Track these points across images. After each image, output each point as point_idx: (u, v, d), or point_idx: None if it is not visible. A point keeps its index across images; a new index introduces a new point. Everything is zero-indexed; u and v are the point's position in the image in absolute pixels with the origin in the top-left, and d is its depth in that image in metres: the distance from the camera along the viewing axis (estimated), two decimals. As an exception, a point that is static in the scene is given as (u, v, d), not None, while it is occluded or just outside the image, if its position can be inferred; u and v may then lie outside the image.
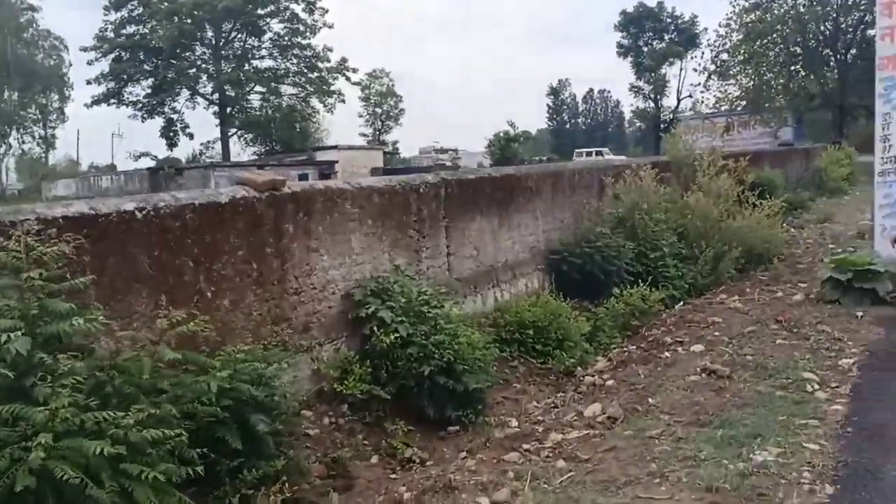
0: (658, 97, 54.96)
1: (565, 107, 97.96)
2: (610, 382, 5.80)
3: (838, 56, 38.14)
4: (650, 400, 5.08)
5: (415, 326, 5.43)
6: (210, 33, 52.94)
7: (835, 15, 37.25)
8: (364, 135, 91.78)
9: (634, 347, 6.92)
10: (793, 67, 37.89)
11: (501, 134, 52.12)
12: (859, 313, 7.05)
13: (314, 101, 55.84)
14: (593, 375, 6.22)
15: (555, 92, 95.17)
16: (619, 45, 56.36)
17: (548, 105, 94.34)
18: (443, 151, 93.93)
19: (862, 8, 37.00)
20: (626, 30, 55.81)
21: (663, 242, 9.31)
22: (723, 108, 40.01)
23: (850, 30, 37.82)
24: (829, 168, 24.07)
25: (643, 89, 56.25)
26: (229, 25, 52.51)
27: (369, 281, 5.87)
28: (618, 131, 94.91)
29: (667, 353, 6.34)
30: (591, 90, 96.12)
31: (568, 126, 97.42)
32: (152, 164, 44.26)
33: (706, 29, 54.00)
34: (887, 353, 5.73)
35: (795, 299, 7.98)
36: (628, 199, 9.59)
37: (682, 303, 8.63)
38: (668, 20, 54.46)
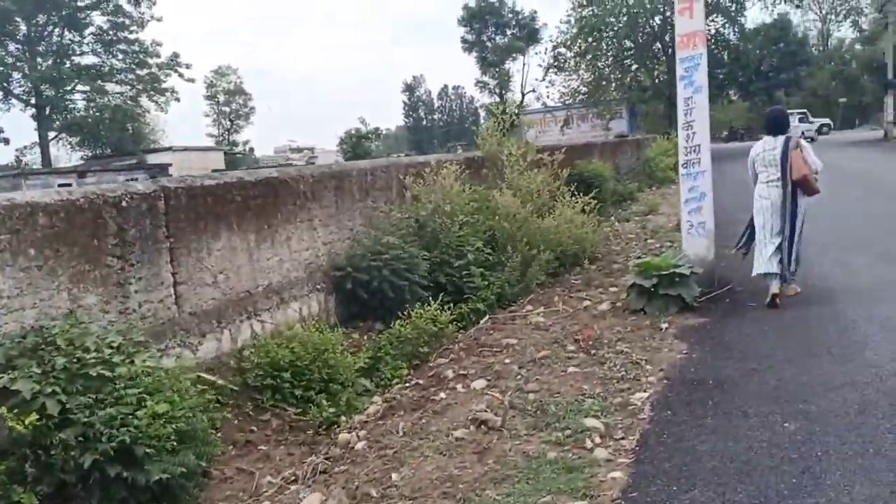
0: (503, 92, 55.36)
1: (421, 103, 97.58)
2: (360, 445, 4.55)
3: (668, 49, 39.70)
4: (394, 475, 3.86)
5: (75, 398, 3.92)
6: (22, 27, 47.58)
7: (663, 9, 38.72)
8: (212, 135, 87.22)
9: (412, 385, 5.73)
10: (625, 61, 39.03)
11: (353, 131, 50.56)
12: (664, 325, 6.26)
13: (144, 100, 51.73)
14: (350, 431, 4.95)
15: (410, 88, 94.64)
16: (464, 41, 56.23)
17: (403, 102, 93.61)
18: (298, 150, 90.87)
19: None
20: (469, 25, 55.73)
21: (469, 249, 8.25)
22: (567, 102, 40.65)
23: (676, 24, 39.43)
24: (657, 158, 24.51)
25: (488, 84, 56.51)
26: (44, 18, 47.39)
27: (29, 333, 4.28)
28: (474, 127, 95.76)
29: (443, 394, 5.19)
30: (446, 86, 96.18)
31: (425, 122, 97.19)
32: (-51, 173, 38.98)
33: (546, 24, 55.08)
34: (685, 381, 4.87)
35: (601, 309, 7.15)
36: (428, 200, 8.47)
37: (486, 317, 7.60)
38: (510, 15, 54.95)
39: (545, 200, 9.67)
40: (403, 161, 9.46)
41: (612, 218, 14.95)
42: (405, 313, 6.90)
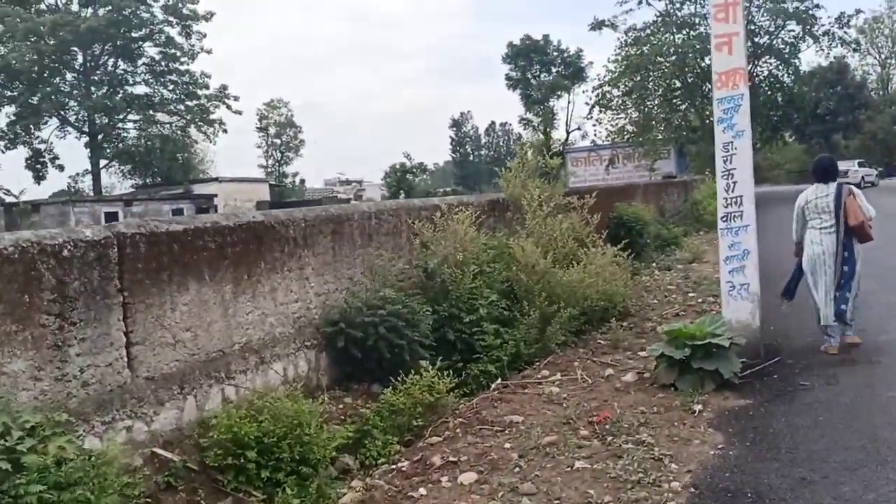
0: (547, 129, 54.72)
1: (468, 139, 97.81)
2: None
3: (716, 89, 38.61)
4: None
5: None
6: (79, 57, 49.19)
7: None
8: (263, 167, 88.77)
9: (396, 471, 4.90)
10: (673, 100, 38.01)
11: (397, 166, 50.65)
12: (697, 406, 5.33)
13: (193, 131, 52.73)
14: (310, 532, 4.14)
15: (457, 124, 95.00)
16: (508, 78, 56.01)
17: (451, 137, 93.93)
18: (347, 183, 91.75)
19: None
20: (514, 62, 55.53)
21: (481, 302, 7.44)
22: (614, 140, 39.73)
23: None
24: (705, 201, 23.36)
25: (532, 121, 56.00)
26: (99, 48, 48.89)
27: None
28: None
29: (423, 490, 4.35)
30: (493, 123, 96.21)
31: (471, 158, 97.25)
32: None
33: (592, 63, 54.49)
34: (717, 490, 3.94)
35: (626, 380, 6.23)
36: (439, 248, 7.71)
37: (496, 383, 6.74)
38: (555, 53, 54.58)
39: (571, 249, 8.80)
40: (416, 203, 8.73)
41: (654, 265, 13.95)
42: (402, 377, 6.10)
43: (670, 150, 39.07)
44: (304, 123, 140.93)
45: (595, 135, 43.33)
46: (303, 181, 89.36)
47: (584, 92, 48.13)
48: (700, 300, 9.92)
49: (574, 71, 54.45)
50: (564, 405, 5.69)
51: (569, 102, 55.76)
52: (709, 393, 5.60)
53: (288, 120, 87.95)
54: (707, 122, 39.01)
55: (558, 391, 6.09)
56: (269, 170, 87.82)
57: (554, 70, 54.67)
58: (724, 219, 6.31)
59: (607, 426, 5.00)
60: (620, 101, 38.35)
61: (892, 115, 60.84)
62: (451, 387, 5.97)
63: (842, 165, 44.88)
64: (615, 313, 8.67)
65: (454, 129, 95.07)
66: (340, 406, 6.20)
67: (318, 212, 7.09)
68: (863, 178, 43.30)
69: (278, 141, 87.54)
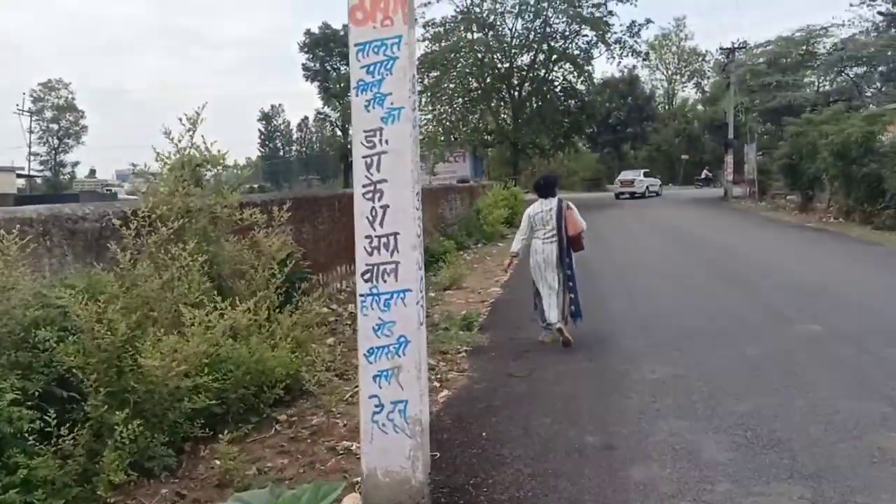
0: (346, 126, 51.38)
1: (278, 133, 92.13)
2: None
3: (512, 92, 37.53)
4: None
5: None
6: None
7: (509, 51, 36.53)
8: (37, 154, 77.99)
9: None
10: (469, 101, 36.33)
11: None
12: None
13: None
14: None
15: (266, 118, 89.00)
16: (305, 68, 51.85)
17: (259, 131, 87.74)
18: (141, 175, 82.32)
19: (534, 47, 36.79)
20: (311, 52, 51.48)
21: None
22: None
23: (526, 67, 37.46)
24: (485, 209, 21.27)
25: (329, 117, 52.35)
26: None
27: None
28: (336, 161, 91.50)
29: None
30: (307, 117, 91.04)
31: (282, 153, 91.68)
32: None
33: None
34: None
35: None
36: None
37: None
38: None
39: (205, 294, 5.50)
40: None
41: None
42: None
43: (465, 153, 37.38)
44: (101, 110, 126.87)
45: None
46: (71, 174, 79.13)
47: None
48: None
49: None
50: None
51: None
52: None
53: (69, 103, 77.47)
54: (503, 125, 37.93)
55: None
56: (44, 158, 76.91)
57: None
58: (367, 277, 3.30)
59: None
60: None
61: (675, 128, 64.50)
62: None
63: (628, 175, 46.21)
64: (273, 397, 5.52)
65: (263, 122, 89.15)
66: None
67: None
68: (647, 187, 44.28)
69: (56, 126, 76.83)
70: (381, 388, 3.32)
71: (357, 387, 6.12)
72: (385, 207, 3.26)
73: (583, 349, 7.03)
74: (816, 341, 6.79)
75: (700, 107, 66.02)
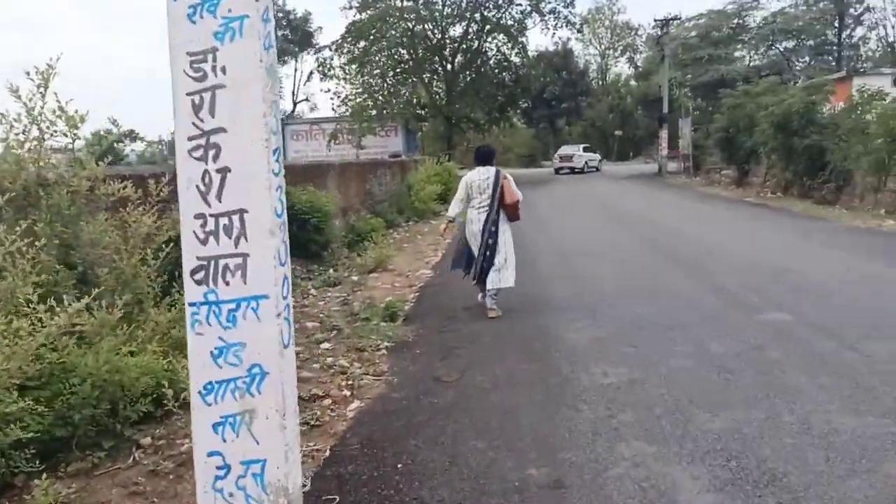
0: (273, 98, 48.99)
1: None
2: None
3: (445, 64, 36.20)
4: None
5: None
6: None
7: (441, 21, 35.14)
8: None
9: None
10: (400, 73, 34.84)
11: (101, 133, 41.61)
12: None
13: None
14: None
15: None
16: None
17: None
18: (57, 150, 77.88)
19: (467, 17, 35.51)
20: (235, 20, 48.67)
21: None
22: (345, 113, 35.45)
23: (458, 38, 36.17)
24: (417, 185, 20.12)
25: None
26: None
27: None
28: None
29: None
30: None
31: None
32: None
33: (321, 28, 49.70)
34: None
35: None
36: None
37: None
38: (280, 14, 48.86)
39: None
40: None
41: (310, 281, 9.88)
42: None
43: (397, 127, 35.93)
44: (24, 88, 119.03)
45: (334, 108, 38.74)
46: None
47: (315, 59, 43.20)
48: (313, 374, 5.99)
49: (302, 36, 49.27)
50: None
51: (295, 70, 50.38)
52: None
53: (-30, 74, 72.00)
54: (436, 98, 36.62)
55: None
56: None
57: (279, 33, 48.99)
58: (200, 277, 2.16)
59: None
60: (343, 70, 34.26)
61: (609, 104, 64.43)
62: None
63: (567, 150, 45.73)
64: (136, 415, 4.33)
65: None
66: None
67: None
68: (586, 162, 43.91)
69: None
70: (225, 441, 2.20)
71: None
72: (224, 171, 2.11)
73: (523, 345, 6.05)
74: (788, 334, 5.91)
75: (633, 82, 66.05)
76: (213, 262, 2.13)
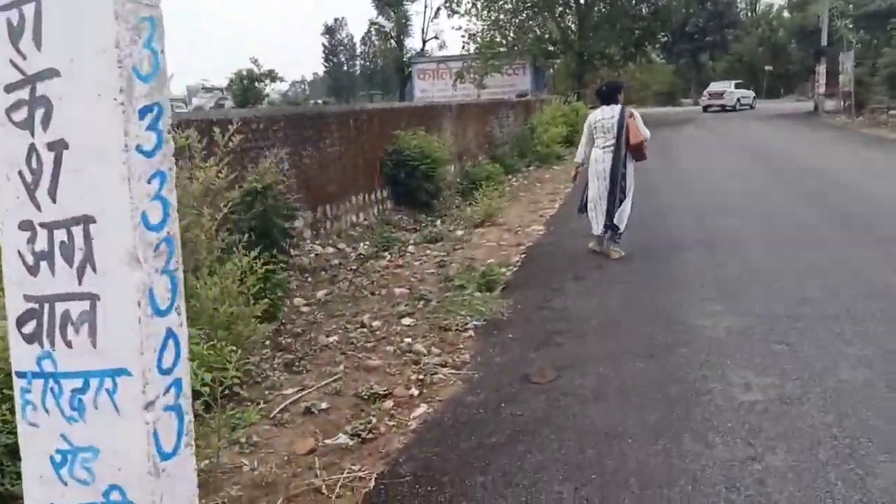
0: (401, 36, 48.24)
1: (342, 48, 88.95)
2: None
3: (578, -2, 33.71)
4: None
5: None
6: None
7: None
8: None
9: None
10: (531, 7, 32.81)
11: (244, 73, 42.93)
12: None
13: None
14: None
15: (330, 31, 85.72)
16: (359, -25, 48.71)
17: (323, 45, 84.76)
18: (209, 90, 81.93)
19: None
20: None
21: None
22: (474, 51, 34.11)
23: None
24: (540, 127, 18.72)
25: (384, 27, 49.16)
26: None
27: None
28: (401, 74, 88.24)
29: None
30: (370, 30, 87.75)
31: (346, 68, 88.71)
32: None
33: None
34: None
35: None
36: None
37: None
38: (410, -54, 47.58)
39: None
40: None
41: (412, 237, 9.04)
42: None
43: (525, 65, 34.09)
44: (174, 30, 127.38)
45: (464, 47, 37.40)
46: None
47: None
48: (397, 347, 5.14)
49: (432, -32, 47.92)
50: None
51: (425, 7, 49.21)
52: None
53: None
54: (567, 34, 34.34)
55: None
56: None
57: (407, -32, 47.88)
58: (30, 331, 1.25)
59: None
60: (474, 5, 32.74)
61: (759, 37, 58.72)
62: None
63: (718, 86, 42.22)
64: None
65: (327, 36, 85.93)
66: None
67: None
68: (738, 99, 40.65)
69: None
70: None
71: (303, 389, 4.27)
72: (58, 148, 1.17)
73: (640, 334, 4.90)
74: None
75: (786, 13, 59.64)
76: (46, 307, 1.23)
